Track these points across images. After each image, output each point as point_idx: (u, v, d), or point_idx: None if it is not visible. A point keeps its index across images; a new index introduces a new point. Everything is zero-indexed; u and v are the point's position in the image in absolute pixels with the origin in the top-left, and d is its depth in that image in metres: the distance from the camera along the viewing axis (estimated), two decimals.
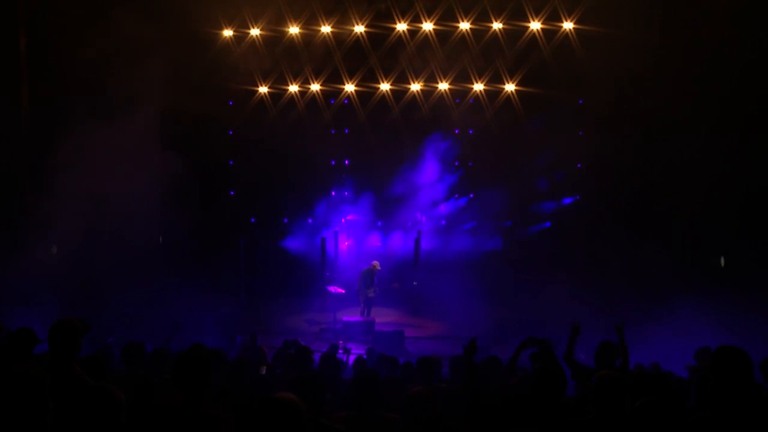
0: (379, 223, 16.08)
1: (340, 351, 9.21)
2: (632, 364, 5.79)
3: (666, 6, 12.86)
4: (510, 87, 14.29)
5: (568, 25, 13.32)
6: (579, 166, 15.11)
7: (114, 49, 11.79)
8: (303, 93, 14.85)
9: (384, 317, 13.54)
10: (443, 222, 16.35)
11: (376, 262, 13.43)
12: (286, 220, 16.28)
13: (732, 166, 12.14)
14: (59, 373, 3.50)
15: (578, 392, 5.19)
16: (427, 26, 13.80)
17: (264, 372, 6.26)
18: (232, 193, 15.93)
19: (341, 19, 13.97)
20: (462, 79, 14.41)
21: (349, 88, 14.68)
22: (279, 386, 4.80)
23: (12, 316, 8.05)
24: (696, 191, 12.05)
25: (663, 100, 12.41)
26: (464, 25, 13.67)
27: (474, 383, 4.05)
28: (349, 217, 16.10)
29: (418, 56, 14.31)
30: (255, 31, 14.11)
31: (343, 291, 13.68)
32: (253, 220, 16.14)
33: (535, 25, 13.43)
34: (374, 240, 16.03)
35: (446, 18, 13.72)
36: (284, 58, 14.45)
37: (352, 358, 7.56)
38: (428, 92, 14.66)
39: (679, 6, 12.71)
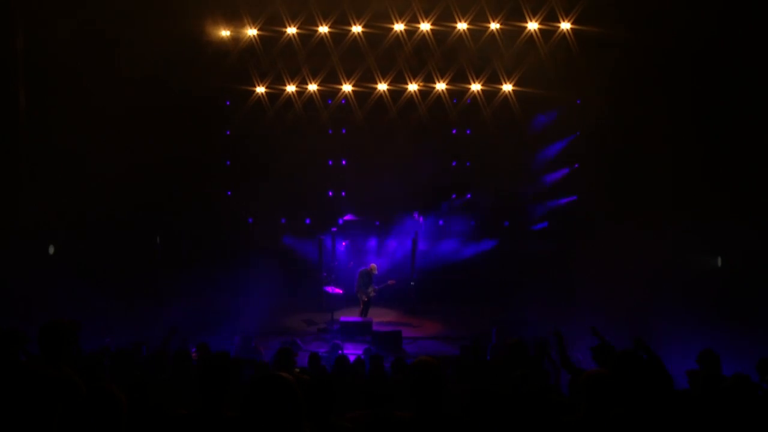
0: (377, 223, 16.07)
1: (340, 351, 9.20)
2: None
3: (664, 5, 12.83)
4: (507, 87, 14.30)
5: (565, 26, 13.32)
6: (576, 166, 15.16)
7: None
8: (300, 93, 14.84)
9: (382, 317, 13.55)
10: (440, 222, 16.36)
11: (373, 265, 13.42)
12: (283, 221, 16.27)
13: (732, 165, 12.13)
14: None
15: (571, 392, 5.18)
16: (425, 26, 13.79)
17: None
18: (229, 193, 15.91)
19: (339, 19, 13.95)
20: (459, 79, 14.41)
21: (347, 88, 14.67)
22: None
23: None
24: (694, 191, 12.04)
25: (660, 100, 12.41)
26: (462, 26, 13.67)
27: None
28: (346, 218, 16.09)
29: (415, 56, 14.31)
30: (252, 31, 14.09)
31: (341, 291, 13.68)
32: (250, 220, 16.12)
33: (532, 26, 13.43)
34: (371, 240, 16.02)
35: (443, 18, 13.71)
36: (281, 58, 14.43)
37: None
38: (426, 92, 14.66)
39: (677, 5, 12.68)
